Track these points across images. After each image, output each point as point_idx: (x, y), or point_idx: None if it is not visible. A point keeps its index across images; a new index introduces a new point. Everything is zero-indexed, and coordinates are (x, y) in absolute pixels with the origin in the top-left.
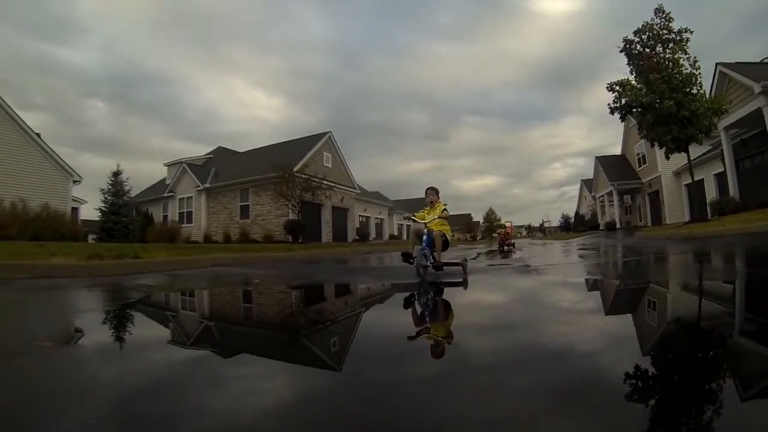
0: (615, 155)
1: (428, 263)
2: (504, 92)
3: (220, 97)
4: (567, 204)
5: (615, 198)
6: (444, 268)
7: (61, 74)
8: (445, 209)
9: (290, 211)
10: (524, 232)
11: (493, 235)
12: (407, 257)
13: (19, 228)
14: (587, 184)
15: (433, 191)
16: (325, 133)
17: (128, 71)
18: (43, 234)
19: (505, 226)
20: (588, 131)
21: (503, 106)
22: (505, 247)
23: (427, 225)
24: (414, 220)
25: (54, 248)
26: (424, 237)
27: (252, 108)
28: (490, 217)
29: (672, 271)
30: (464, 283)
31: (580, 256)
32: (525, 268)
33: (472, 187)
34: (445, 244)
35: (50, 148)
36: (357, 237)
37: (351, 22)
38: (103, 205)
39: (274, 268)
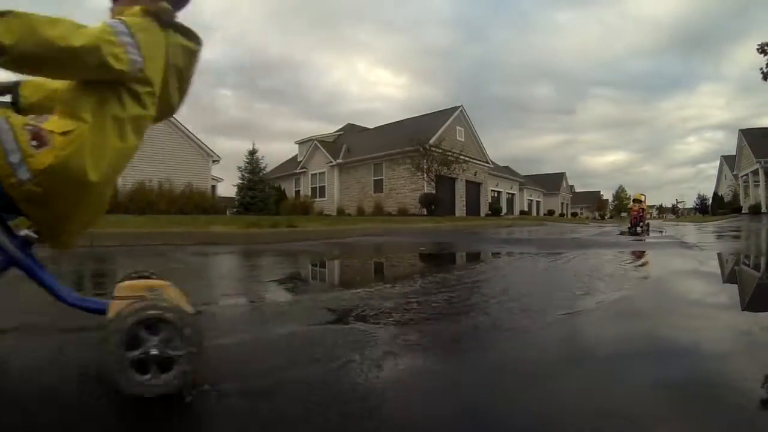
0: (764, 128)
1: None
2: (633, 60)
3: (344, 77)
4: (703, 183)
5: (761, 178)
6: None
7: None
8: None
9: (426, 184)
10: (655, 213)
11: (622, 215)
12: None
13: (167, 204)
14: (728, 161)
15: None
16: (457, 107)
17: (253, 60)
18: (187, 209)
19: (640, 200)
20: (728, 100)
21: (632, 75)
22: (638, 228)
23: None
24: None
25: (207, 220)
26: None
27: (377, 86)
28: (620, 195)
29: None
30: None
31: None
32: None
33: (600, 163)
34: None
35: (191, 132)
36: (489, 212)
37: None
38: (240, 181)
39: (429, 237)
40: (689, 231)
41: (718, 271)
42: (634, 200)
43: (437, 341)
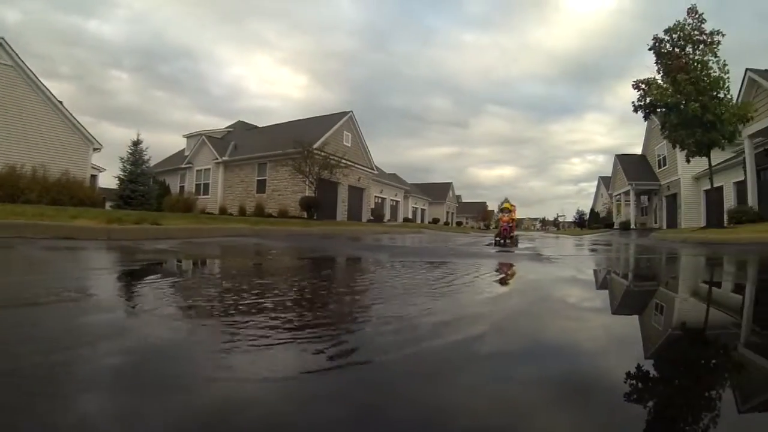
0: (635, 154)
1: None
2: (529, 84)
3: (245, 73)
4: (583, 200)
5: (632, 198)
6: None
7: (86, 45)
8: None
9: (307, 187)
10: (538, 225)
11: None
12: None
13: (39, 192)
14: (605, 182)
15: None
16: (346, 113)
17: (154, 44)
18: (62, 199)
19: (509, 210)
20: (610, 129)
21: (527, 98)
22: (506, 240)
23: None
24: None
25: (74, 212)
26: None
27: (277, 84)
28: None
29: (681, 272)
30: None
31: (592, 251)
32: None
33: (489, 176)
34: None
35: (72, 116)
36: (371, 217)
37: (380, 4)
38: (121, 173)
39: (291, 241)
40: (559, 244)
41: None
42: (503, 209)
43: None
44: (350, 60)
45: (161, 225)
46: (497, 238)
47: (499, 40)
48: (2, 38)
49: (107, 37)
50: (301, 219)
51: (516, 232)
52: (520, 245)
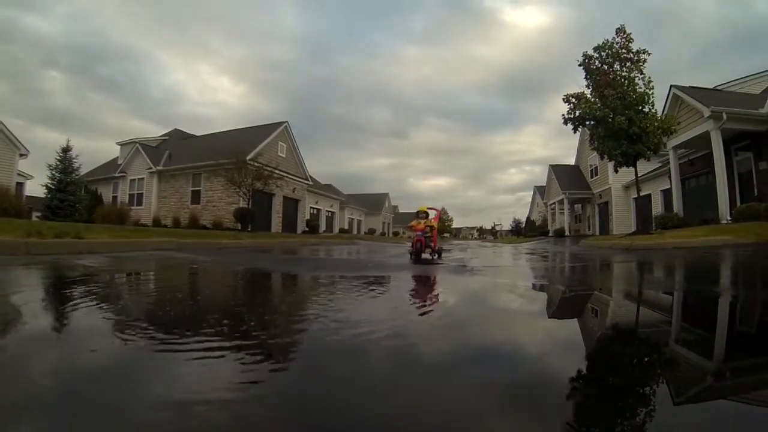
0: (569, 165)
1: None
2: (468, 96)
3: (185, 79)
4: (521, 209)
5: (566, 206)
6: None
7: (21, 41)
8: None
9: (241, 198)
10: (476, 234)
11: (445, 235)
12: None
13: None
14: (540, 191)
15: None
16: (281, 123)
17: (93, 43)
18: None
19: (426, 214)
20: (546, 141)
21: (466, 110)
22: (426, 253)
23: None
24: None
25: None
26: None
27: (216, 92)
28: (442, 217)
29: (595, 276)
30: None
31: (517, 258)
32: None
33: (428, 186)
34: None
35: None
36: (306, 228)
37: (324, 17)
38: (49, 181)
39: (217, 255)
40: (489, 252)
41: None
42: (417, 214)
43: None
44: (291, 70)
45: (84, 239)
46: (412, 252)
47: (440, 54)
48: None
49: (45, 33)
50: (234, 231)
51: (439, 244)
52: (446, 255)
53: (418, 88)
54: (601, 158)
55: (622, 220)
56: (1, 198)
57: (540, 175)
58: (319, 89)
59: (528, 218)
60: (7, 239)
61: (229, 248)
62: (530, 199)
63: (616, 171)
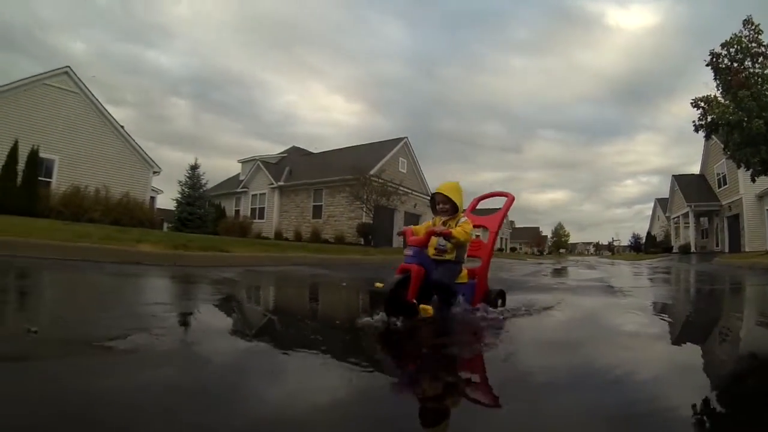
0: (693, 174)
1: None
2: (579, 107)
3: (298, 100)
4: (640, 223)
5: (691, 220)
6: None
7: (147, 73)
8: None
9: (364, 214)
10: (591, 250)
11: (561, 251)
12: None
13: (102, 212)
14: (661, 204)
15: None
16: (401, 139)
17: (209, 72)
18: (123, 219)
19: (453, 206)
20: (663, 148)
21: (576, 120)
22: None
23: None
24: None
25: (137, 235)
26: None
27: (330, 112)
28: (559, 232)
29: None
30: None
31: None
32: None
33: (541, 200)
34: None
35: (133, 140)
36: None
37: (428, 33)
38: (179, 196)
39: (355, 271)
40: (623, 272)
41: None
42: (435, 201)
43: None
44: (399, 86)
45: (227, 252)
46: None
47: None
48: (68, 67)
49: (166, 66)
50: (359, 246)
51: (552, 260)
52: (575, 275)
53: (526, 100)
54: (738, 167)
55: (756, 234)
56: (138, 210)
57: (658, 186)
58: (430, 105)
59: (648, 233)
60: (157, 250)
61: (363, 264)
62: (650, 213)
63: (753, 180)
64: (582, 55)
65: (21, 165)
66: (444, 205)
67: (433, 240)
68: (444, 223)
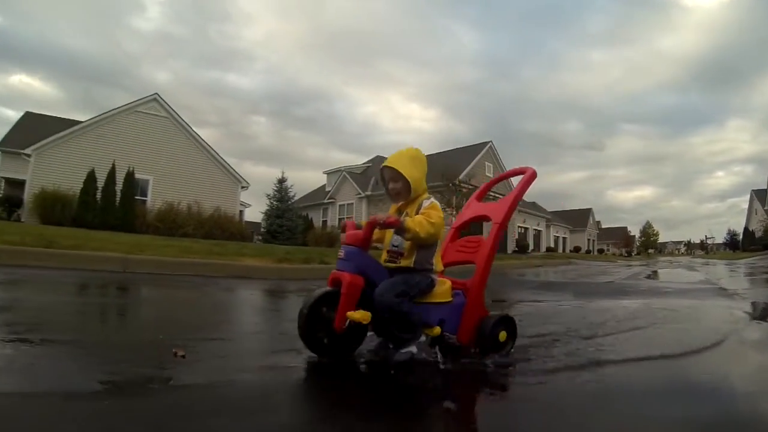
0: None
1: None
2: (660, 96)
3: (377, 110)
4: (736, 218)
5: None
6: None
7: (228, 95)
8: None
9: (455, 220)
10: (683, 249)
11: (650, 251)
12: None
13: (194, 227)
14: (758, 196)
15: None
16: (486, 143)
17: (288, 90)
18: (215, 233)
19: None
20: (755, 134)
21: (660, 111)
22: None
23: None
24: None
25: (235, 249)
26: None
27: (408, 119)
28: (647, 231)
29: None
30: None
31: None
32: None
33: (627, 198)
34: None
35: (221, 158)
36: (516, 248)
37: (500, 34)
38: (268, 208)
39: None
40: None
41: None
42: (383, 175)
43: None
44: (476, 90)
45: (327, 264)
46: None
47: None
48: (157, 94)
49: (246, 87)
50: None
51: (633, 263)
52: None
53: (607, 95)
54: None
55: None
56: (229, 224)
57: (752, 176)
58: (508, 106)
59: (746, 228)
60: (262, 264)
61: (453, 271)
62: (746, 206)
63: None
64: (661, 40)
65: (119, 185)
66: (395, 184)
67: (388, 237)
68: (399, 211)
